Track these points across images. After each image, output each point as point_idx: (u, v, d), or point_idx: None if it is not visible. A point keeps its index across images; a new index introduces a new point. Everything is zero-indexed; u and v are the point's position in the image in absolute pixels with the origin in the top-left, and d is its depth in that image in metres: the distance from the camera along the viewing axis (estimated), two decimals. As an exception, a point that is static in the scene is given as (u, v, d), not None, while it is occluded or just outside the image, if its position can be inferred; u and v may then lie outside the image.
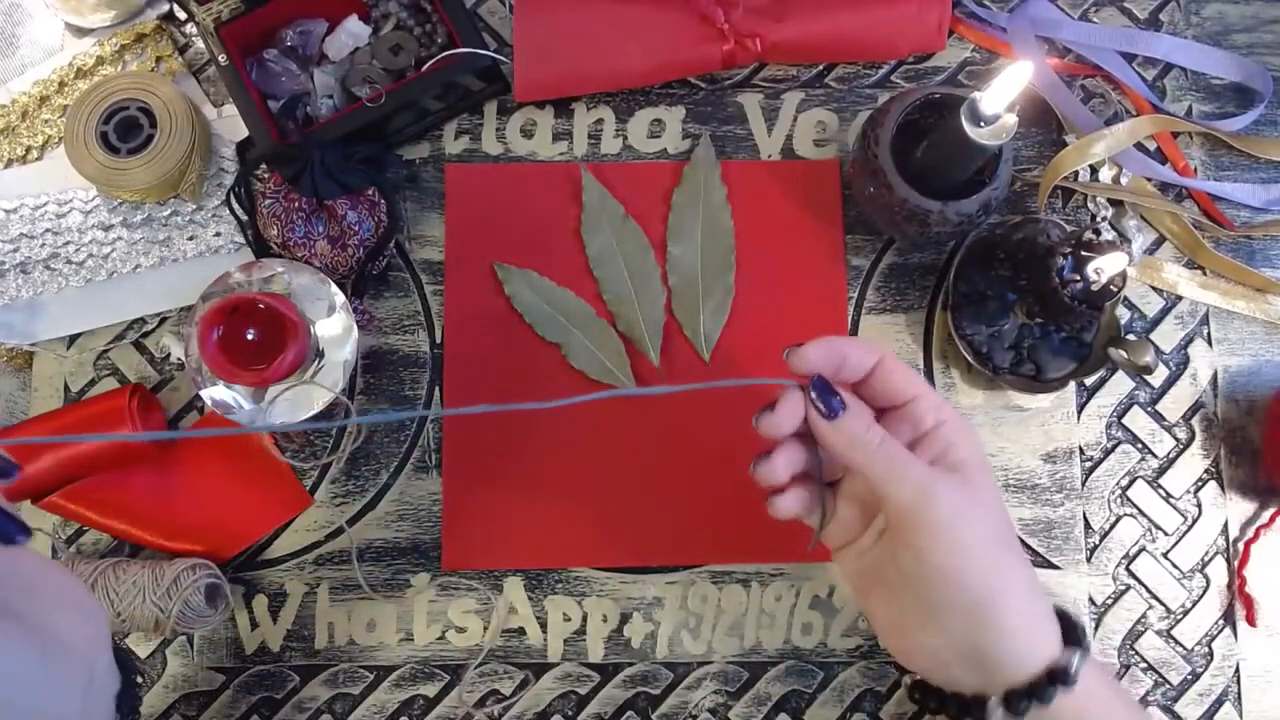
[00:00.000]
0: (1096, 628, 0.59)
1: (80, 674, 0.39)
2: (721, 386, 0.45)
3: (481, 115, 0.64)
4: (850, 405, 0.43)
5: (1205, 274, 0.62)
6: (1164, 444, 0.61)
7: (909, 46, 0.63)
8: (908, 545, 0.42)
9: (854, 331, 0.62)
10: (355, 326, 0.58)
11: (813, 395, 0.43)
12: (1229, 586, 0.59)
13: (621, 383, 0.60)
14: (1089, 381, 0.61)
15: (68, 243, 0.62)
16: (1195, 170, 0.63)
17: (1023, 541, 0.60)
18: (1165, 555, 0.60)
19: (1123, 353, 0.54)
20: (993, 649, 0.42)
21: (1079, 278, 0.53)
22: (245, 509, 0.60)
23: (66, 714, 0.37)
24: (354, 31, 0.62)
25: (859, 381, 0.45)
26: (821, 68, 0.65)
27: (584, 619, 0.59)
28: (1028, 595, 0.42)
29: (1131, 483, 0.60)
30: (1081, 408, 0.61)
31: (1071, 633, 0.43)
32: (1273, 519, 0.59)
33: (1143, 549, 0.60)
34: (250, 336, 0.56)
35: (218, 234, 0.63)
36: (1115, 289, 0.53)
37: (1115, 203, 0.62)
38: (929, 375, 0.61)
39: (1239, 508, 0.60)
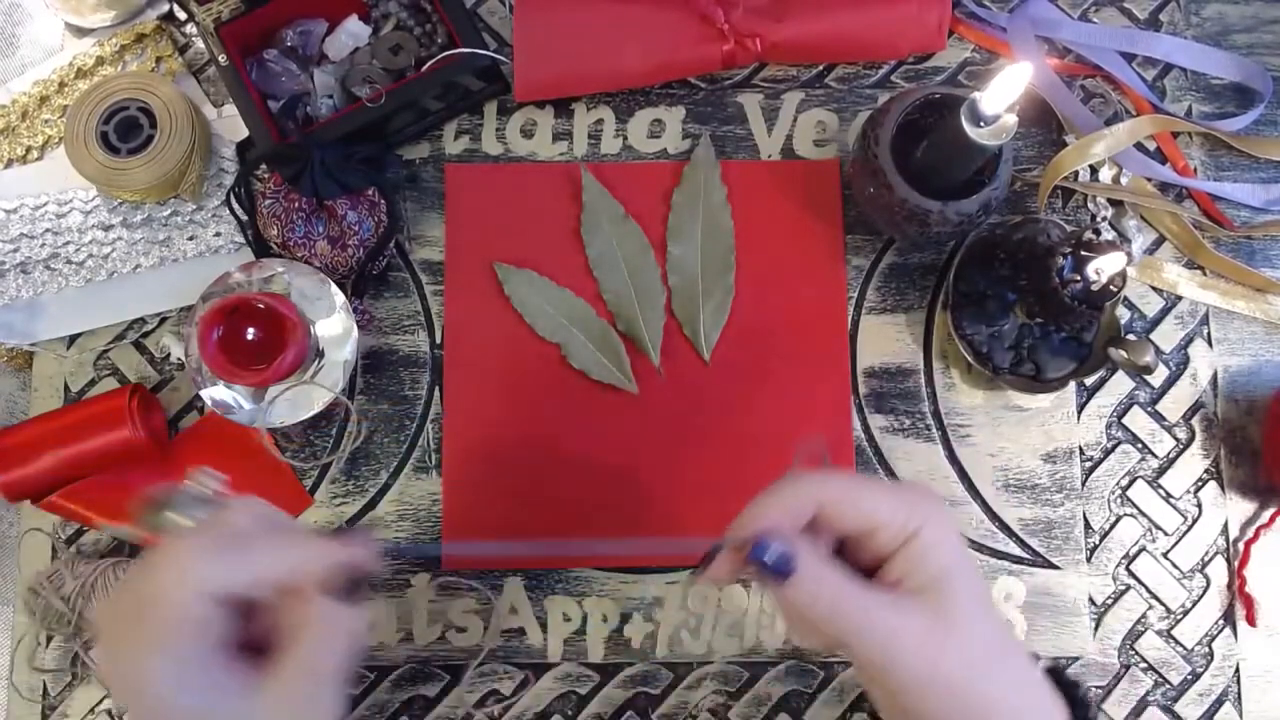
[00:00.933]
0: (1096, 628, 0.59)
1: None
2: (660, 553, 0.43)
3: (481, 115, 0.64)
4: (800, 565, 0.38)
5: (1205, 274, 0.62)
6: (1164, 444, 0.61)
7: (909, 46, 0.63)
8: (882, 690, 0.40)
9: (854, 331, 0.62)
10: (355, 326, 0.58)
11: (754, 567, 0.39)
12: (1229, 586, 0.59)
13: (621, 383, 0.60)
14: (1089, 381, 0.61)
15: (68, 243, 0.62)
16: (1195, 170, 0.63)
17: (1023, 542, 0.60)
18: (1165, 555, 0.60)
19: (1123, 353, 0.54)
20: None
21: (1079, 278, 0.53)
22: (245, 509, 0.60)
23: None
24: (354, 31, 0.62)
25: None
26: (821, 68, 0.65)
27: (584, 619, 0.59)
28: (1016, 709, 0.39)
29: (1131, 483, 0.60)
30: (1081, 408, 0.61)
31: (1076, 695, 0.41)
32: (1273, 519, 0.59)
33: (1143, 549, 0.60)
34: (250, 336, 0.56)
35: (218, 234, 0.63)
36: (1115, 289, 0.53)
37: (1115, 203, 0.62)
38: (929, 375, 0.61)
39: (1239, 508, 0.60)
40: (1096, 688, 0.58)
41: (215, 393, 0.57)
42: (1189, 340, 0.62)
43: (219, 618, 0.37)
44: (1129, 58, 0.64)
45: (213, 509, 0.39)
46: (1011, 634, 0.41)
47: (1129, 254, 0.61)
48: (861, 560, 0.40)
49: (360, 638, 0.39)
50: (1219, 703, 0.58)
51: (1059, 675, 0.42)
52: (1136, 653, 0.59)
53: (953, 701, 0.39)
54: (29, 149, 0.64)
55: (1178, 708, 0.58)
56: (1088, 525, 0.60)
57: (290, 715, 0.37)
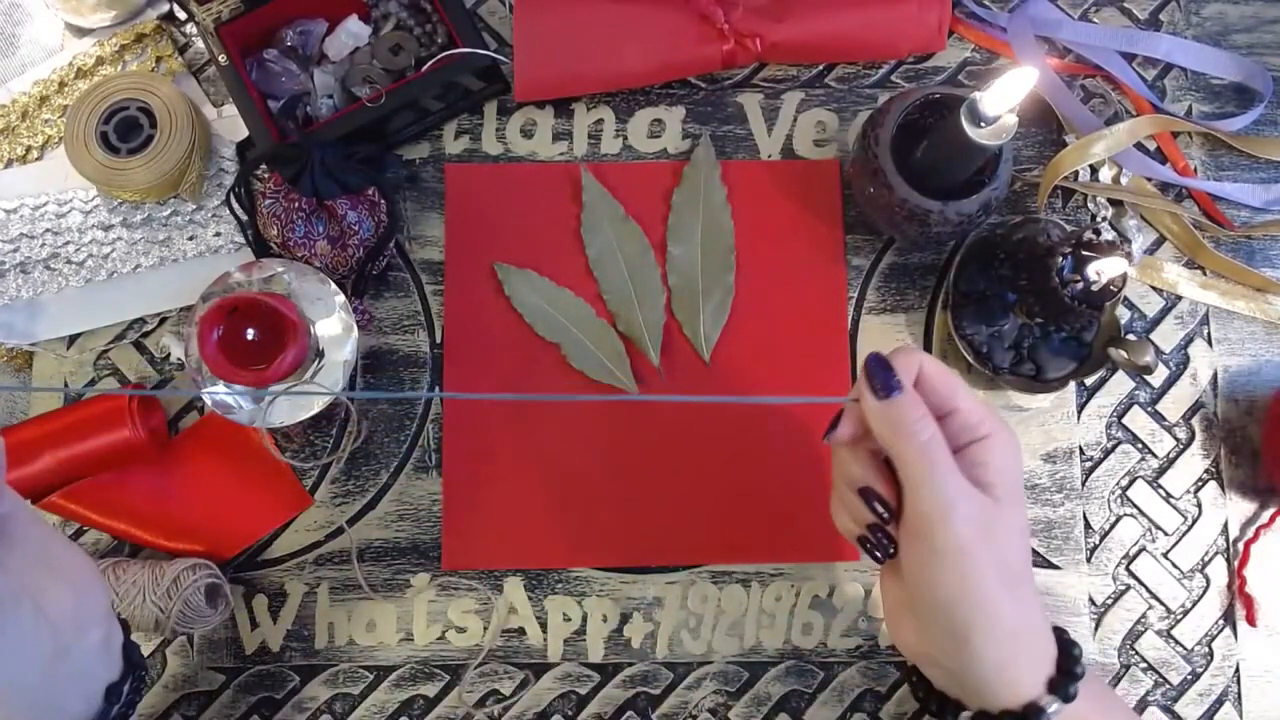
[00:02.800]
0: (1096, 628, 0.59)
1: (45, 643, 0.40)
2: (784, 402, 0.44)
3: (481, 115, 0.64)
4: (908, 392, 0.41)
5: (1205, 274, 0.62)
6: (1164, 444, 0.61)
7: (909, 46, 0.63)
8: (915, 553, 0.42)
9: (854, 331, 0.62)
10: (355, 326, 0.58)
11: (867, 370, 0.42)
12: (1229, 586, 0.59)
13: (621, 383, 0.60)
14: (1089, 381, 0.61)
15: (68, 243, 0.62)
16: (1195, 170, 0.63)
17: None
18: (1165, 555, 0.60)
19: (1123, 353, 0.54)
20: (972, 675, 0.42)
21: (1079, 278, 0.53)
22: (245, 509, 0.60)
23: (19, 678, 0.39)
24: (354, 31, 0.62)
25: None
26: (821, 68, 0.65)
27: (584, 619, 0.59)
28: (1015, 637, 0.42)
29: (1131, 483, 0.60)
30: (1081, 408, 0.61)
31: (1065, 675, 0.43)
32: (1273, 519, 0.59)
33: (1143, 549, 0.60)
34: (250, 336, 0.56)
35: (218, 234, 0.63)
36: (1115, 289, 0.53)
37: (1115, 203, 0.62)
38: (929, 375, 0.61)
39: (1239, 508, 0.60)
40: (1096, 688, 0.58)
41: (215, 393, 0.57)
42: (1189, 340, 0.62)
43: None
44: (1129, 58, 0.64)
45: None
46: (1031, 571, 0.44)
47: (1129, 254, 0.61)
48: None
49: None
50: (1219, 703, 0.58)
51: (1061, 635, 0.45)
52: (1136, 653, 0.59)
53: (973, 585, 0.40)
54: (29, 149, 0.64)
55: (1178, 708, 0.58)
56: (1088, 525, 0.60)
57: None
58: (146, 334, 0.63)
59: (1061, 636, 0.44)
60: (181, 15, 0.66)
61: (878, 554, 0.43)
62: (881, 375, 0.41)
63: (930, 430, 0.41)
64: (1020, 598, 0.42)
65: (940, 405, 0.42)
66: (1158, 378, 0.61)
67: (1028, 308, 0.58)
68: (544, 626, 0.59)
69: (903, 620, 0.44)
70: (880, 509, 0.42)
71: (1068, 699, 0.42)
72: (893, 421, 0.41)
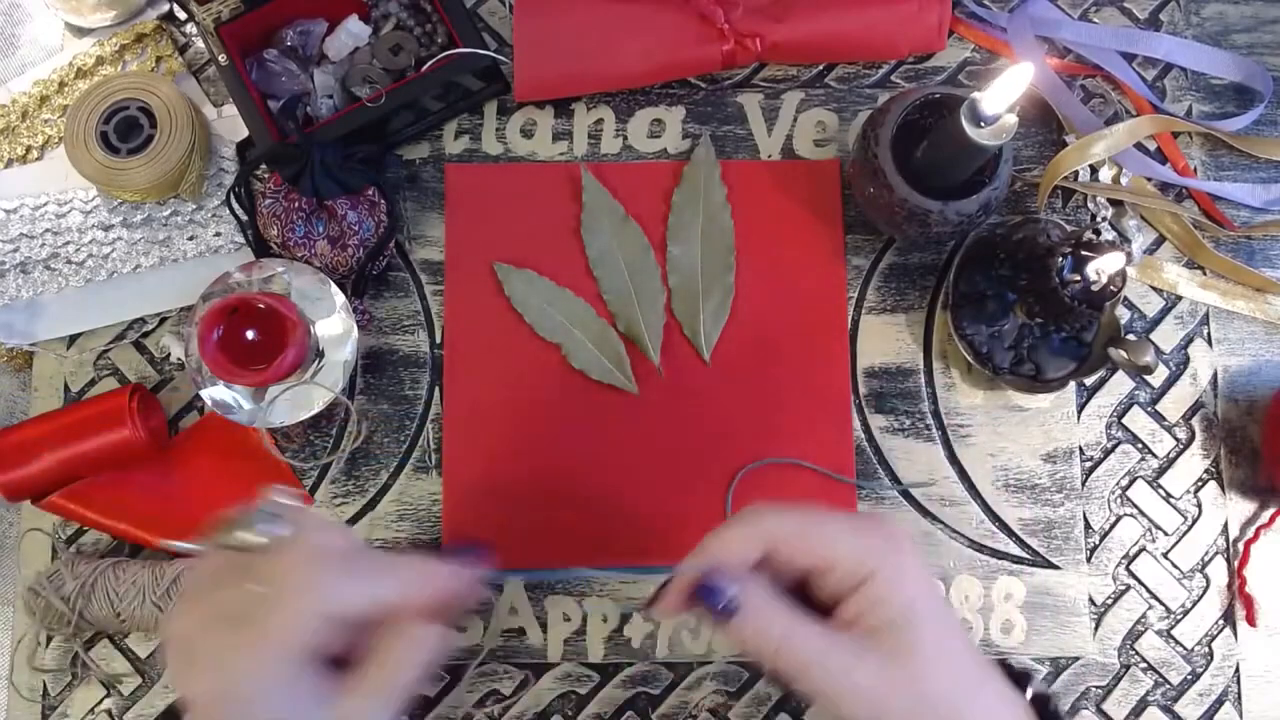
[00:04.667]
0: (1096, 628, 0.59)
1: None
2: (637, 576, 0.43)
3: (481, 115, 0.64)
4: (744, 605, 0.39)
5: (1205, 274, 0.62)
6: (1164, 444, 0.61)
7: (909, 46, 0.63)
8: None
9: (854, 331, 0.62)
10: (355, 326, 0.58)
11: (699, 598, 0.39)
12: (1229, 586, 0.59)
13: (621, 383, 0.60)
14: (1089, 381, 0.61)
15: (68, 243, 0.62)
16: (1195, 170, 0.63)
17: (1023, 542, 0.60)
18: (1165, 555, 0.60)
19: (1123, 353, 0.54)
20: None
21: (1079, 278, 0.53)
22: (245, 509, 0.60)
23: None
24: (354, 31, 0.62)
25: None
26: (821, 68, 0.65)
27: (584, 619, 0.59)
28: None
29: (1131, 483, 0.60)
30: (1081, 408, 0.61)
31: None
32: (1273, 519, 0.59)
33: (1143, 549, 0.60)
34: (250, 336, 0.56)
35: (218, 234, 0.63)
36: (1115, 289, 0.53)
37: (1115, 203, 0.62)
38: (929, 375, 0.61)
39: (1239, 508, 0.60)
40: (1096, 688, 0.58)
41: (215, 393, 0.57)
42: (1189, 340, 0.62)
43: (325, 635, 0.37)
44: (1129, 58, 0.64)
45: (288, 526, 0.40)
46: (981, 666, 0.41)
47: (1129, 254, 0.61)
48: (823, 595, 0.40)
49: (440, 659, 0.39)
50: (1219, 703, 0.58)
51: (1042, 701, 0.42)
52: (1136, 653, 0.59)
53: None
54: (29, 149, 0.64)
55: (1178, 708, 0.58)
56: (1088, 525, 0.60)
57: None
58: (146, 334, 0.63)
59: (1039, 703, 0.42)
60: (181, 15, 0.66)
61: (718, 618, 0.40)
62: (712, 599, 0.39)
63: (780, 632, 0.38)
64: (972, 705, 0.39)
65: (809, 562, 0.40)
66: (1158, 378, 0.61)
67: (1028, 308, 0.58)
68: (544, 626, 0.59)
69: None
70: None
71: None
72: (742, 641, 0.39)
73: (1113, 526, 0.60)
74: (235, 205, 0.59)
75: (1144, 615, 0.59)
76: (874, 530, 0.40)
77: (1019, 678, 0.42)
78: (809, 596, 0.41)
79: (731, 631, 0.39)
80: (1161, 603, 0.59)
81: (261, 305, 0.55)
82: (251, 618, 0.37)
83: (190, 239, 0.63)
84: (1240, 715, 0.58)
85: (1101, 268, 0.52)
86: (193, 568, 0.40)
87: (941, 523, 0.60)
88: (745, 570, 0.40)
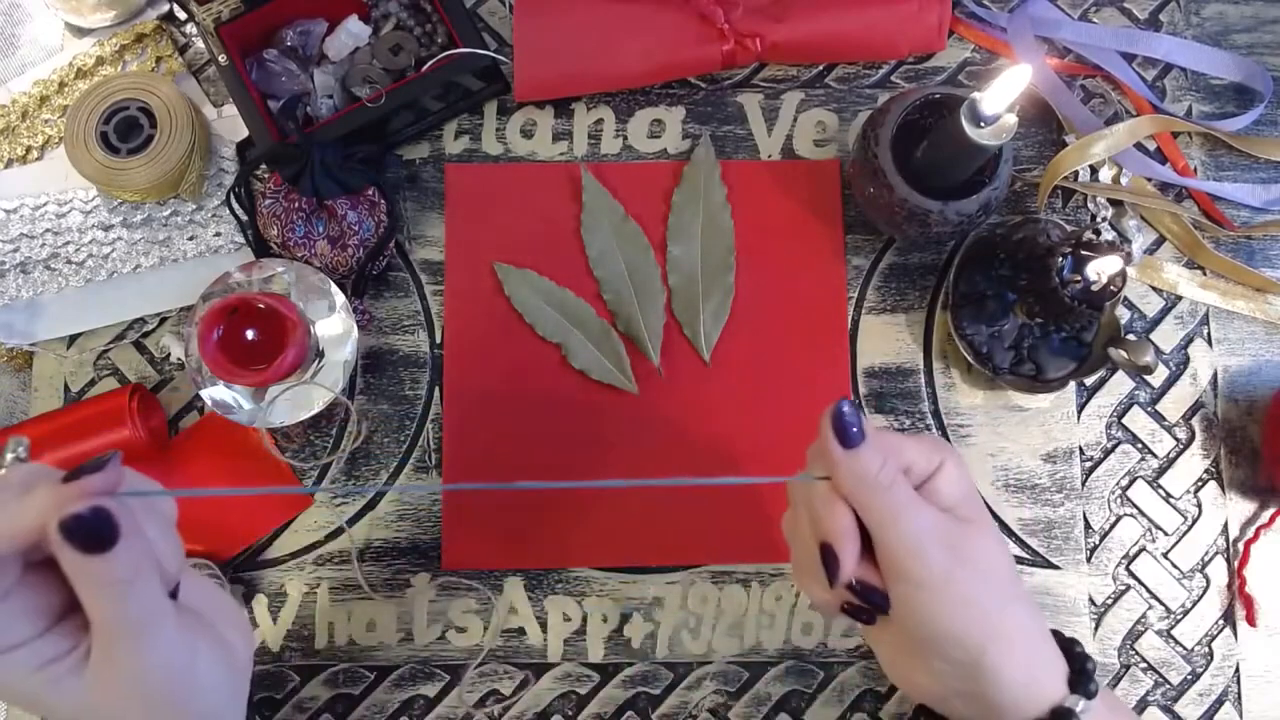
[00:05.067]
0: (1096, 628, 0.59)
1: (246, 691, 0.40)
2: (750, 482, 0.44)
3: (481, 115, 0.64)
4: (870, 440, 0.41)
5: (1205, 274, 0.62)
6: (1164, 444, 0.61)
7: (909, 46, 0.63)
8: (901, 594, 0.41)
9: (854, 331, 0.62)
10: (355, 326, 0.58)
11: (833, 416, 0.41)
12: (1229, 586, 0.59)
13: (621, 383, 0.61)
14: (1089, 381, 0.61)
15: (68, 243, 0.62)
16: (1195, 170, 0.63)
17: (1023, 542, 0.60)
18: (1165, 555, 0.60)
19: (1123, 353, 0.54)
20: (991, 697, 0.41)
21: (1079, 278, 0.53)
22: (245, 509, 0.60)
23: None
24: (354, 31, 0.62)
25: None
26: (821, 68, 0.65)
27: (584, 619, 0.59)
28: (1024, 645, 0.41)
29: (1131, 483, 0.60)
30: (1081, 408, 0.61)
31: (1080, 674, 0.42)
32: (1273, 519, 0.59)
33: (1143, 549, 0.60)
34: (250, 336, 0.56)
35: (218, 234, 0.63)
36: (1115, 289, 0.53)
37: (1115, 203, 0.62)
38: (929, 375, 0.61)
39: (1239, 508, 0.60)
40: (1096, 688, 0.58)
41: (215, 393, 0.57)
42: (1189, 340, 0.62)
43: None
44: (1129, 58, 0.64)
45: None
46: (1019, 579, 0.44)
47: (1129, 254, 0.61)
48: None
49: (141, 579, 0.35)
50: (1219, 703, 0.58)
51: (1057, 635, 0.44)
52: (1136, 653, 0.59)
53: (968, 613, 0.40)
54: (29, 149, 0.64)
55: (1178, 708, 0.58)
56: (1088, 525, 0.60)
57: (125, 687, 0.35)
58: (146, 334, 0.63)
59: (1061, 637, 0.44)
60: (181, 15, 0.66)
61: (865, 616, 0.43)
62: (844, 424, 0.41)
63: (893, 476, 0.41)
64: (1016, 610, 0.42)
65: (893, 446, 0.42)
66: (1158, 378, 0.61)
67: (1028, 308, 0.58)
68: (544, 626, 0.59)
69: (908, 666, 0.43)
70: (843, 565, 0.41)
71: (1090, 695, 0.41)
72: (857, 469, 0.41)
73: (1113, 526, 0.60)
74: (235, 205, 0.59)
75: (1144, 615, 0.59)
76: (932, 438, 0.45)
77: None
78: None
79: (852, 460, 0.40)
80: (1161, 603, 0.59)
81: (261, 305, 0.55)
82: None
83: (190, 239, 0.63)
84: (1240, 715, 0.58)
85: (1101, 268, 0.52)
86: None
87: (941, 523, 0.60)
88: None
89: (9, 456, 0.38)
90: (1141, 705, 0.58)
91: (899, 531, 0.40)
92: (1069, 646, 0.44)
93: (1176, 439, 0.61)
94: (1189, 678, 0.59)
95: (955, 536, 0.41)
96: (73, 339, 0.63)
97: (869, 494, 0.41)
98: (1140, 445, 0.61)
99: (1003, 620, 0.41)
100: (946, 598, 0.40)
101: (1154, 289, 0.62)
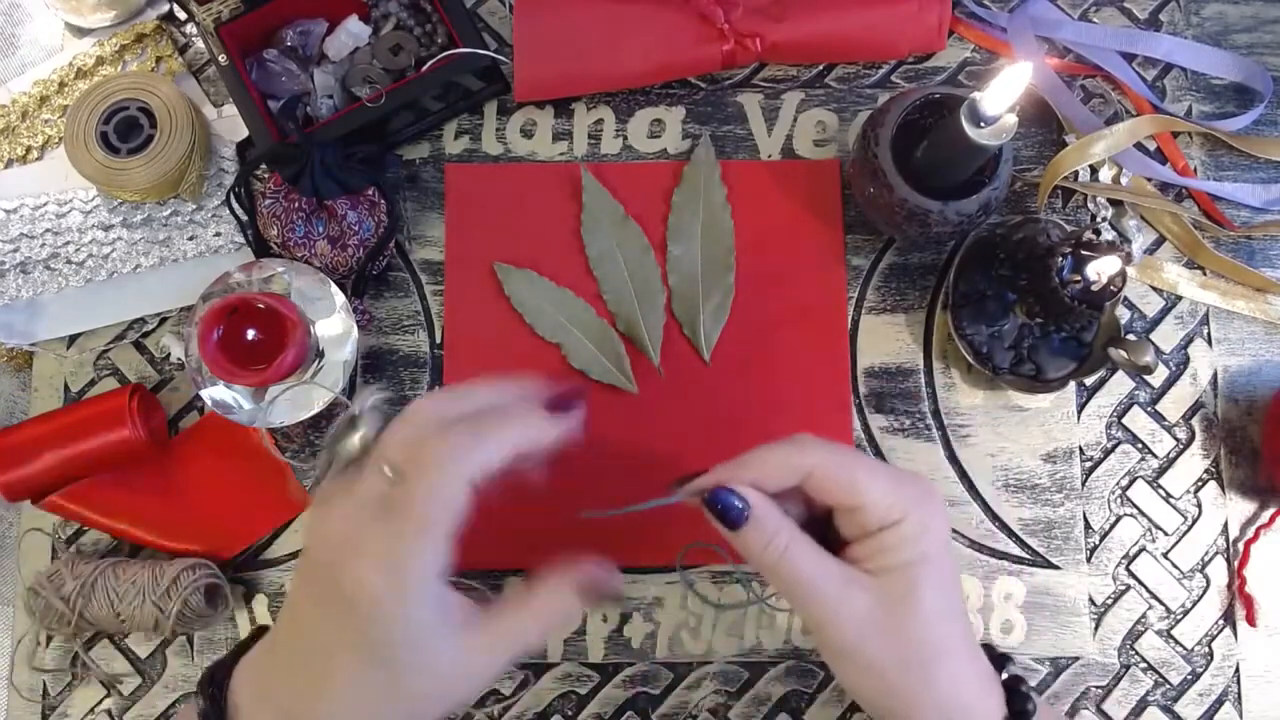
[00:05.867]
0: (1096, 628, 0.59)
1: None
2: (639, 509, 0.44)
3: (481, 115, 0.64)
4: (753, 517, 0.40)
5: (1205, 274, 0.62)
6: (1164, 444, 0.61)
7: (909, 46, 0.63)
8: (822, 652, 0.41)
9: (854, 331, 0.62)
10: (355, 326, 0.58)
11: (706, 506, 0.41)
12: (1229, 586, 0.59)
13: (621, 383, 0.60)
14: (1089, 381, 0.61)
15: (68, 243, 0.62)
16: (1195, 170, 0.63)
17: (1023, 542, 0.60)
18: (1165, 555, 0.60)
19: (1123, 353, 0.54)
20: None
21: (1079, 278, 0.53)
22: (245, 509, 0.60)
23: None
24: (354, 31, 0.62)
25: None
26: (821, 68, 0.65)
27: (584, 619, 0.59)
28: (948, 699, 0.40)
29: (1131, 483, 0.60)
30: (1081, 408, 0.61)
31: (1019, 706, 0.42)
32: (1273, 519, 0.59)
33: (1143, 549, 0.60)
34: (250, 336, 0.56)
35: (218, 234, 0.63)
36: (1115, 289, 0.53)
37: (1115, 203, 0.62)
38: (929, 375, 0.61)
39: (1239, 508, 0.60)
40: (1096, 688, 0.58)
41: (215, 393, 0.57)
42: (1189, 340, 0.62)
43: (469, 505, 0.38)
44: (1129, 58, 0.64)
45: (382, 419, 0.40)
46: (966, 638, 0.42)
47: (1129, 254, 0.61)
48: (842, 533, 0.42)
49: (572, 626, 0.42)
50: (1219, 703, 0.58)
51: (1013, 682, 0.43)
52: (1136, 653, 0.59)
53: (874, 683, 0.40)
54: (29, 149, 0.64)
55: (1178, 708, 0.58)
56: (1088, 525, 0.60)
57: (484, 667, 0.39)
58: (146, 334, 0.63)
59: (1007, 679, 0.43)
60: (181, 15, 0.66)
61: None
62: (721, 510, 0.41)
63: (779, 548, 0.40)
64: (941, 671, 0.40)
65: (840, 499, 0.41)
66: (1158, 378, 0.61)
67: (1028, 308, 0.58)
68: (544, 626, 0.59)
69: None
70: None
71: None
72: (745, 550, 0.41)
73: (1113, 526, 0.60)
74: (235, 205, 0.59)
75: (1144, 615, 0.59)
76: (913, 483, 0.42)
77: (998, 660, 0.44)
78: (825, 538, 0.42)
79: (737, 540, 0.41)
80: (1161, 603, 0.59)
81: (261, 305, 0.55)
82: (397, 503, 0.37)
83: (190, 239, 0.63)
84: (1240, 715, 0.58)
85: (1101, 268, 0.52)
86: (317, 502, 0.41)
87: (941, 523, 0.60)
88: (778, 486, 0.41)
89: (363, 404, 0.40)
90: (1141, 705, 0.58)
91: (803, 603, 0.40)
92: (1013, 685, 0.43)
93: (1176, 439, 0.61)
94: (1189, 678, 0.59)
95: (876, 605, 0.39)
96: (73, 339, 0.63)
97: (760, 569, 0.41)
98: (1140, 445, 0.61)
99: (913, 690, 0.40)
100: (855, 671, 0.40)
101: (1154, 289, 0.62)
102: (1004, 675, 0.43)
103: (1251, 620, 0.59)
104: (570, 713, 0.59)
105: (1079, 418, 0.61)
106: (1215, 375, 0.61)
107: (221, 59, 0.59)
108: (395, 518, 0.37)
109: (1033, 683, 0.58)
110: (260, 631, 0.43)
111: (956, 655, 0.41)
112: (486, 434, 0.39)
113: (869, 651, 0.40)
